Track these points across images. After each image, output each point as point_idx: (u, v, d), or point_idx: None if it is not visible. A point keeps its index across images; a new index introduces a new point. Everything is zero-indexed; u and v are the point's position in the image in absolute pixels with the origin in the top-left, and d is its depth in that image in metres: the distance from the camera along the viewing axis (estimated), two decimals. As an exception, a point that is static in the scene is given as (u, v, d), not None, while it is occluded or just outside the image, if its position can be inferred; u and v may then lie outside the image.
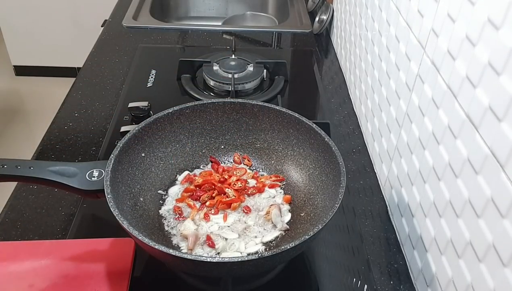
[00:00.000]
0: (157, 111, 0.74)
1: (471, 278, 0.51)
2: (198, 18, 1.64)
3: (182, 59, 1.11)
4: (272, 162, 0.78)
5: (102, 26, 1.39)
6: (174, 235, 0.67)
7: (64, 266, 0.64)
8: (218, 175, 0.75)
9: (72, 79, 1.14)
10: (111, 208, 0.57)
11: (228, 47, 1.25)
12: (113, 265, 0.64)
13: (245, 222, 0.69)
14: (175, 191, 0.74)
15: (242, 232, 0.67)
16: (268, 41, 1.34)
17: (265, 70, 1.10)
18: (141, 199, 0.68)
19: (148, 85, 1.08)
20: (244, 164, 0.79)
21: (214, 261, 0.52)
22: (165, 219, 0.69)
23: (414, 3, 0.69)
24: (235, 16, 1.55)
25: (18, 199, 0.78)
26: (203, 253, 0.64)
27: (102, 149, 0.88)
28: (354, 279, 0.68)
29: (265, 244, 0.66)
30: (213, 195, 0.72)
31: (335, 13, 1.29)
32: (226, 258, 0.53)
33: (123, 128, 0.90)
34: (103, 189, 0.60)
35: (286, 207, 0.72)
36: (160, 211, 0.70)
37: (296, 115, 0.74)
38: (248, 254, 0.64)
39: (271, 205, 0.70)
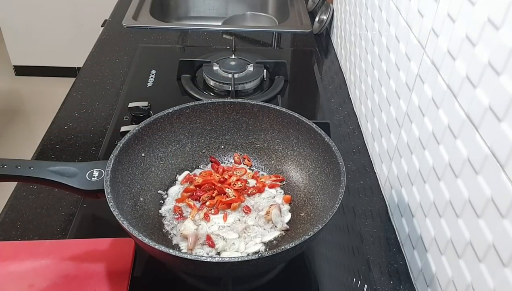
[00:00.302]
0: (157, 111, 0.74)
1: (471, 278, 0.51)
2: (198, 18, 1.64)
3: (182, 59, 1.11)
4: (272, 162, 0.78)
5: (102, 26, 1.39)
6: (174, 235, 0.67)
7: (64, 266, 0.64)
8: (218, 175, 0.75)
9: (72, 79, 1.13)
10: (111, 208, 0.57)
11: (228, 47, 1.25)
12: (113, 265, 0.64)
13: (245, 222, 0.69)
14: (175, 191, 0.74)
15: (242, 232, 0.67)
16: (268, 41, 1.34)
17: (265, 70, 1.10)
18: (141, 199, 0.68)
19: (148, 85, 1.08)
20: (244, 164, 0.79)
21: (214, 261, 0.52)
22: (165, 219, 0.69)
23: (414, 3, 0.69)
24: (235, 16, 1.55)
25: (18, 199, 0.78)
26: (203, 253, 0.64)
27: (102, 149, 0.88)
28: (354, 279, 0.68)
29: (265, 244, 0.66)
30: (213, 195, 0.72)
31: (335, 13, 1.29)
32: (226, 258, 0.53)
33: (123, 128, 0.90)
34: (103, 189, 0.60)
35: (286, 207, 0.72)
36: (160, 211, 0.70)
37: (296, 115, 0.74)
38: (248, 254, 0.64)
39: (271, 205, 0.70)
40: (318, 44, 1.31)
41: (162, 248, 0.52)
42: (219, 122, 0.78)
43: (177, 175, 0.76)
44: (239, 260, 0.52)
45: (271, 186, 0.75)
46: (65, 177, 0.63)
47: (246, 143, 0.80)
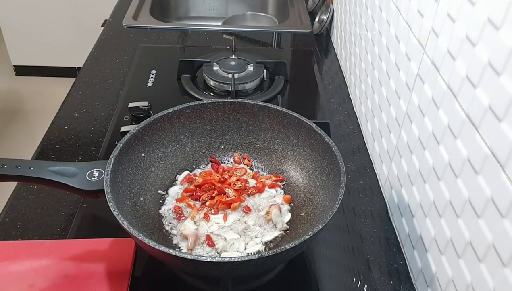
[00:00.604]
0: (157, 111, 0.74)
1: (471, 278, 0.51)
2: (198, 18, 1.64)
3: (182, 59, 1.11)
4: (272, 162, 0.78)
5: (102, 26, 1.39)
6: (174, 235, 0.67)
7: (64, 266, 0.64)
8: (218, 175, 0.75)
9: (72, 79, 1.14)
10: (111, 208, 0.57)
11: (228, 47, 1.25)
12: (113, 265, 0.64)
13: (245, 222, 0.69)
14: (175, 191, 0.74)
15: (242, 232, 0.67)
16: (268, 41, 1.34)
17: (265, 70, 1.10)
18: (141, 199, 0.68)
19: (148, 85, 1.08)
20: (244, 164, 0.79)
21: (214, 261, 0.52)
22: (165, 219, 0.69)
23: (414, 3, 0.69)
24: (235, 16, 1.55)
25: (18, 199, 0.78)
26: (203, 253, 0.64)
27: (102, 149, 0.88)
28: (354, 279, 0.68)
29: (265, 244, 0.66)
30: (213, 195, 0.72)
31: (335, 13, 1.29)
32: (226, 258, 0.53)
33: (123, 128, 0.90)
34: (103, 189, 0.60)
35: (286, 207, 0.72)
36: (160, 211, 0.70)
37: (296, 115, 0.74)
38: (248, 254, 0.64)
39: (271, 205, 0.70)
40: (318, 44, 1.31)
41: (162, 248, 0.52)
42: (219, 122, 0.78)
43: (177, 175, 0.76)
44: (239, 260, 0.52)
45: (271, 186, 0.75)
46: (65, 177, 0.63)
47: (246, 143, 0.80)
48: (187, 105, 0.75)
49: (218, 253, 0.64)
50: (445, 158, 0.57)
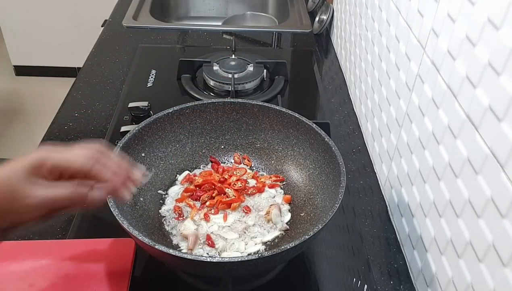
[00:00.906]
0: (157, 111, 0.74)
1: (471, 278, 0.51)
2: (198, 18, 1.64)
3: (182, 59, 1.11)
4: (272, 162, 0.78)
5: (102, 26, 1.39)
6: (174, 235, 0.67)
7: (64, 266, 0.64)
8: (218, 175, 0.75)
9: (72, 79, 1.13)
10: (111, 208, 0.57)
11: (228, 47, 1.25)
12: (113, 265, 0.64)
13: (245, 222, 0.69)
14: (175, 191, 0.74)
15: (242, 232, 0.67)
16: (268, 41, 1.34)
17: (265, 70, 1.10)
18: (141, 199, 0.68)
19: (148, 85, 1.08)
20: (244, 164, 0.79)
21: (214, 261, 0.52)
22: (165, 219, 0.69)
23: (414, 3, 0.69)
24: (235, 16, 1.55)
25: (18, 199, 0.77)
26: (203, 253, 0.64)
27: (102, 149, 0.88)
28: (354, 279, 0.68)
29: (265, 244, 0.66)
30: (213, 195, 0.72)
31: (335, 13, 1.29)
32: (226, 258, 0.53)
33: (123, 128, 0.90)
34: (103, 189, 0.60)
35: (286, 207, 0.72)
36: (160, 211, 0.70)
37: (296, 115, 0.74)
38: (248, 254, 0.64)
39: (271, 205, 0.70)
40: (318, 44, 1.31)
41: (162, 248, 0.52)
42: (219, 122, 0.78)
43: (177, 175, 0.76)
44: (239, 260, 0.53)
45: (271, 186, 0.75)
46: (65, 177, 0.63)
47: (246, 143, 0.80)
48: (187, 105, 0.75)
49: (218, 253, 0.64)
50: (445, 158, 0.57)
